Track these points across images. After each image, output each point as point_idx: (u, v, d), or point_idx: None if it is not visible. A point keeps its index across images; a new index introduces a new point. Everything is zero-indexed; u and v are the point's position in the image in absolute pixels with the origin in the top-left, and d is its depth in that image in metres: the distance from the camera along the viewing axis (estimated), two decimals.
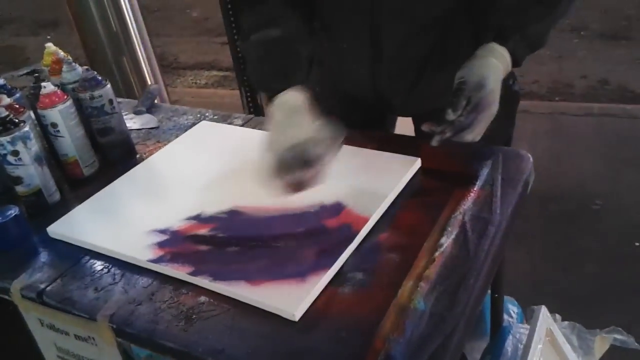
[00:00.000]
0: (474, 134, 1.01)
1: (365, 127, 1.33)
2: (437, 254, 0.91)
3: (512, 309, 1.56)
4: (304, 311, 0.84)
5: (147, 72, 2.91)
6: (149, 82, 2.87)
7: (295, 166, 0.96)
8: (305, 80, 1.08)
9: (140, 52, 2.85)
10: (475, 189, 1.05)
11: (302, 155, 0.96)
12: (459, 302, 0.83)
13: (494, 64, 1.02)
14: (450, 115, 0.99)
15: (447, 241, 0.94)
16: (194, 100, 3.88)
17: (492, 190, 1.05)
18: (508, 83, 1.27)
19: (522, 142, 1.12)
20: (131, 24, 2.78)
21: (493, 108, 1.01)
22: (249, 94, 2.60)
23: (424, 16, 1.11)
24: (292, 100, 1.03)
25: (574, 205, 2.45)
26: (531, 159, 1.13)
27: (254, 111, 2.63)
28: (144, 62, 2.88)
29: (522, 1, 1.05)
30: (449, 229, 0.96)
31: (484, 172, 1.09)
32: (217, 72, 4.41)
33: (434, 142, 1.02)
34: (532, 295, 1.74)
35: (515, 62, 1.06)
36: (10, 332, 1.12)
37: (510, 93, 1.28)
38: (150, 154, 1.32)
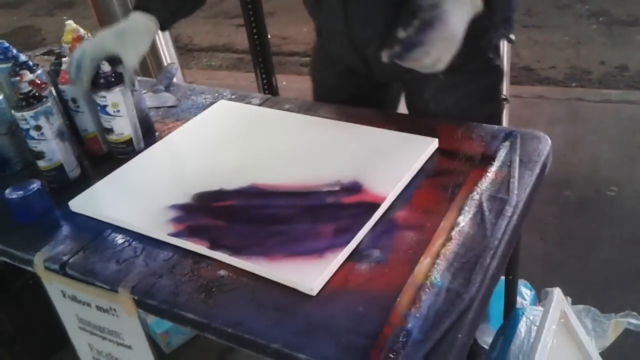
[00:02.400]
0: (431, 58, 0.96)
1: (364, 104, 1.33)
2: (454, 232, 0.92)
3: (526, 291, 1.56)
4: (322, 286, 0.85)
5: (163, 53, 2.91)
6: (165, 63, 2.88)
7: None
8: (158, 8, 1.26)
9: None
10: (492, 169, 1.05)
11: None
12: (475, 280, 0.83)
13: None
14: (401, 33, 0.96)
15: (464, 220, 0.94)
16: (208, 82, 3.89)
17: (510, 171, 1.05)
18: (488, 56, 1.25)
19: (539, 128, 1.12)
20: None
21: (449, 28, 0.96)
22: (264, 76, 2.60)
23: None
24: (133, 20, 1.26)
25: (590, 192, 2.44)
26: (549, 141, 1.13)
27: (269, 94, 2.63)
28: (160, 43, 2.89)
29: None
30: (466, 208, 0.97)
31: (502, 153, 1.09)
32: (232, 54, 4.41)
33: (384, 56, 0.98)
34: (545, 280, 1.74)
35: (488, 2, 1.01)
36: (33, 304, 1.15)
37: (489, 67, 1.26)
38: (169, 132, 1.33)
